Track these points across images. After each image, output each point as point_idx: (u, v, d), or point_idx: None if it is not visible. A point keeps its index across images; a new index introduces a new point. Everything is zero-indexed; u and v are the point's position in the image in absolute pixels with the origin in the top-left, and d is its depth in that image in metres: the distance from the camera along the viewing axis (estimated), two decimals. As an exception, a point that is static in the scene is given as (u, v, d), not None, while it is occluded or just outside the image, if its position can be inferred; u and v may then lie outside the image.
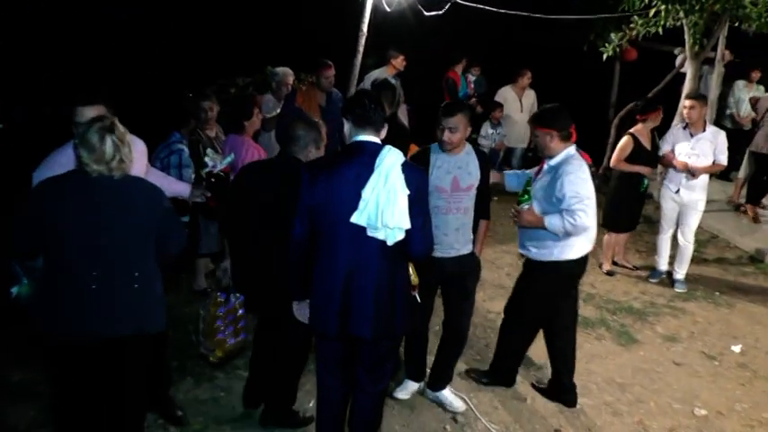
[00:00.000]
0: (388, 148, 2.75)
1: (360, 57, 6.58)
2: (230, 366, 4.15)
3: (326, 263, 2.84)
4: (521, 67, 8.56)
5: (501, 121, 8.42)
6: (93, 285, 2.63)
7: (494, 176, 3.93)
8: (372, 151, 2.74)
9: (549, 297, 3.83)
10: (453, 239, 3.55)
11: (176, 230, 2.91)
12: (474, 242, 3.69)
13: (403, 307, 2.92)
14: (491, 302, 5.35)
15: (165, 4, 8.83)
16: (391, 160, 2.69)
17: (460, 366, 4.29)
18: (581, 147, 3.83)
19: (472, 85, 9.22)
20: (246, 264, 3.38)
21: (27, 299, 2.99)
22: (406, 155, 3.63)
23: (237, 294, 3.87)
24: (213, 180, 3.79)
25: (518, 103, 8.51)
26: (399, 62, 7.52)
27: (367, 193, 2.67)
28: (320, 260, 2.86)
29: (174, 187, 3.74)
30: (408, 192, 2.69)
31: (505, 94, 8.55)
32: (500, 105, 8.41)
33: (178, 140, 4.63)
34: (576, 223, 3.47)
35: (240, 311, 4.00)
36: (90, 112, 2.96)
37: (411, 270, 3.12)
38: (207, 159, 3.94)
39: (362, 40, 6.52)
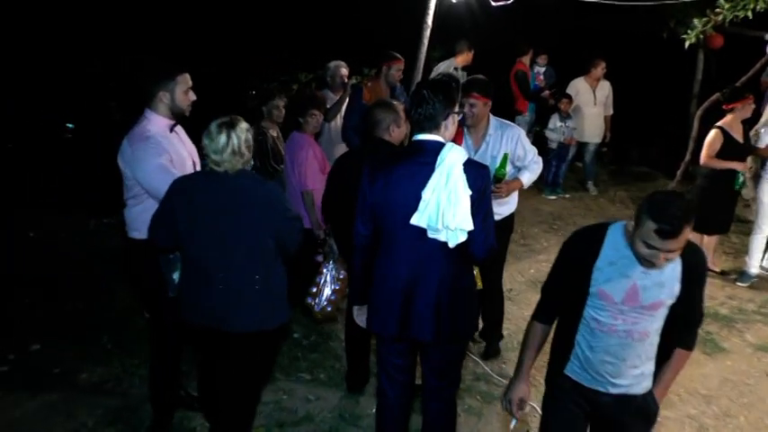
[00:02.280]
0: (450, 146, 2.71)
1: (424, 49, 6.55)
2: (293, 369, 4.23)
3: (387, 264, 2.84)
4: (594, 56, 8.33)
5: (571, 113, 8.23)
6: (219, 286, 2.89)
7: None
8: (433, 150, 2.70)
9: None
10: (615, 371, 2.45)
11: (295, 229, 3.02)
12: (656, 379, 2.54)
13: (468, 310, 2.90)
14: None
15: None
16: (453, 159, 2.65)
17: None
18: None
19: (542, 77, 9.04)
20: (347, 240, 3.63)
21: None
22: None
23: (332, 266, 4.23)
24: None
25: (591, 95, 8.28)
26: (470, 55, 7.49)
27: (427, 193, 2.64)
28: (381, 261, 2.87)
29: None
30: (470, 192, 2.64)
31: (578, 86, 8.33)
32: (568, 96, 8.22)
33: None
34: (542, 167, 4.13)
35: (335, 286, 4.26)
36: (183, 81, 3.27)
37: (476, 274, 3.07)
38: None
39: (427, 33, 6.49)
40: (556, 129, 8.19)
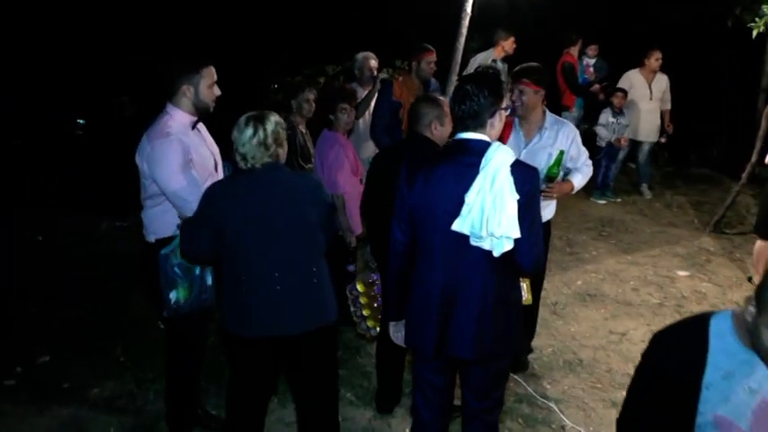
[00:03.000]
0: (496, 145, 2.68)
1: (462, 40, 6.52)
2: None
3: (426, 274, 2.83)
4: (648, 46, 8.22)
5: (624, 109, 8.14)
6: (277, 287, 2.96)
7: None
8: (478, 150, 2.68)
9: None
10: None
11: (333, 218, 3.18)
12: None
13: (513, 326, 2.87)
14: (614, 321, 5.18)
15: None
16: (499, 160, 2.62)
17: (578, 393, 4.19)
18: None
19: (591, 69, 8.95)
20: (384, 244, 3.63)
21: (186, 303, 3.27)
22: None
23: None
24: None
25: (647, 89, 8.17)
26: (509, 44, 7.44)
27: (471, 197, 2.62)
28: (419, 270, 2.86)
29: None
30: (518, 197, 2.61)
31: (632, 79, 8.23)
32: (621, 90, 8.13)
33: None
34: (592, 171, 4.17)
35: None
36: (208, 75, 3.33)
37: (525, 286, 3.04)
38: None
39: (466, 22, 6.46)
40: (607, 125, 8.10)
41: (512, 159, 2.65)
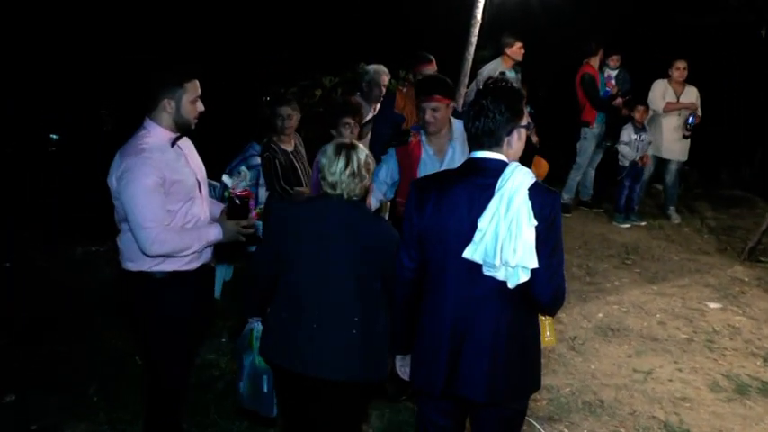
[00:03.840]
0: (513, 166, 2.68)
1: (472, 49, 6.57)
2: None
3: (434, 304, 2.82)
4: (672, 56, 8.26)
5: (646, 125, 8.16)
6: (314, 324, 3.05)
7: None
8: (494, 170, 2.68)
9: None
10: None
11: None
12: None
13: (530, 364, 2.86)
14: (638, 358, 5.15)
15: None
16: (516, 182, 2.62)
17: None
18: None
19: (613, 82, 8.98)
20: None
21: (249, 398, 3.41)
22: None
23: None
24: (229, 203, 3.86)
25: (676, 102, 8.21)
26: (515, 50, 7.43)
27: (484, 222, 2.62)
28: (426, 301, 2.86)
29: (212, 209, 3.78)
30: (536, 223, 2.61)
31: (663, 90, 8.25)
32: (644, 104, 8.16)
33: (257, 153, 4.77)
34: None
35: None
36: (192, 89, 3.35)
37: (548, 327, 3.02)
38: (224, 178, 4.08)
39: (476, 30, 6.52)
40: (630, 142, 8.12)
41: (531, 181, 2.64)
